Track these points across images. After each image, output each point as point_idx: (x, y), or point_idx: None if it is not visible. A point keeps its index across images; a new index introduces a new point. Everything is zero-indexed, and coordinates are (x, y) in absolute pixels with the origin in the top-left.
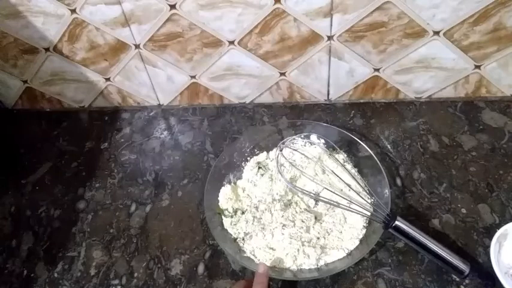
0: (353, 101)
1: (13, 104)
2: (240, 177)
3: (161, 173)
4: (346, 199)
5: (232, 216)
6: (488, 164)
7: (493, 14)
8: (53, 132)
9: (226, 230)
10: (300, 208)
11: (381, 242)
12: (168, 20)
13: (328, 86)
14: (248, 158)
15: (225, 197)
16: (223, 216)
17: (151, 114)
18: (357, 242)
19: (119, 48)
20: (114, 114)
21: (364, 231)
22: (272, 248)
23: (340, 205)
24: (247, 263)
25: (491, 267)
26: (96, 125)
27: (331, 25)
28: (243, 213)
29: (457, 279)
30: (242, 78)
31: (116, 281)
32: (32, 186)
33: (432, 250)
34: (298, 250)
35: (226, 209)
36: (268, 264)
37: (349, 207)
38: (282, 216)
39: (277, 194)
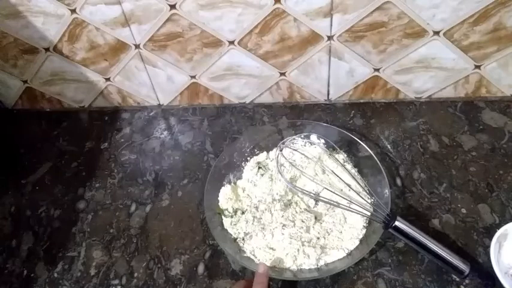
0: (353, 101)
1: (13, 104)
2: (240, 177)
3: (161, 173)
4: (346, 199)
5: (232, 216)
6: (488, 164)
7: (493, 14)
8: (53, 132)
9: (226, 230)
10: (300, 208)
11: (381, 242)
12: (168, 20)
13: (328, 86)
14: (248, 158)
15: (225, 197)
16: (223, 216)
17: (151, 114)
18: (357, 242)
19: (119, 48)
20: (114, 114)
21: (364, 231)
22: (272, 248)
23: (340, 205)
24: (247, 263)
25: (491, 267)
26: (96, 125)
27: (331, 25)
28: (243, 213)
29: (457, 279)
30: (242, 78)
31: (116, 281)
32: (32, 186)
33: (432, 250)
34: (298, 250)
35: (226, 209)
36: (268, 264)
37: (349, 207)
38: (282, 216)
39: (277, 194)
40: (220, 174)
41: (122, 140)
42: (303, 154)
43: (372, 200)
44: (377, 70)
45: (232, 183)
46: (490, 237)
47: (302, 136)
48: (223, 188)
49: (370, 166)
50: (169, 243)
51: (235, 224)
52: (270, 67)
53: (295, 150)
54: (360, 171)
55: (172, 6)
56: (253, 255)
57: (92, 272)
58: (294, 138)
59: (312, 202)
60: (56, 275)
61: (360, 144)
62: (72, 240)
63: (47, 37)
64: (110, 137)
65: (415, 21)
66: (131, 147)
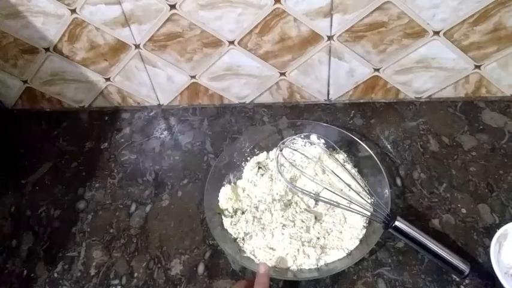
0: (353, 101)
1: (13, 104)
2: (240, 177)
3: (161, 173)
4: (346, 199)
5: (232, 216)
6: (488, 164)
7: (493, 14)
8: (53, 132)
9: (226, 230)
10: (300, 208)
11: (381, 242)
12: (168, 20)
13: (328, 86)
14: (248, 158)
15: (225, 197)
16: (223, 216)
17: (151, 114)
18: (357, 242)
19: (119, 48)
20: (114, 114)
21: (364, 231)
22: (272, 248)
23: (340, 205)
24: (247, 263)
25: (491, 267)
26: (96, 125)
27: (331, 25)
28: (243, 213)
29: (457, 279)
30: (242, 78)
31: (116, 281)
32: (32, 186)
33: (432, 250)
34: (298, 250)
35: (226, 209)
36: (269, 265)
37: (349, 207)
38: (282, 216)
39: (277, 194)
40: (220, 174)
41: (122, 140)
42: (303, 154)
43: (372, 200)
44: (377, 70)
45: (232, 183)
46: (490, 237)
47: (302, 136)
48: (223, 188)
49: (370, 166)
50: (169, 243)
51: (235, 224)
52: (270, 67)
53: (295, 150)
54: (360, 171)
55: (172, 6)
56: (253, 255)
57: (92, 272)
58: (294, 138)
59: (312, 202)
60: (56, 275)
61: (360, 144)
62: (72, 240)
63: (47, 37)
64: (110, 137)
65: (415, 21)
66: (131, 147)
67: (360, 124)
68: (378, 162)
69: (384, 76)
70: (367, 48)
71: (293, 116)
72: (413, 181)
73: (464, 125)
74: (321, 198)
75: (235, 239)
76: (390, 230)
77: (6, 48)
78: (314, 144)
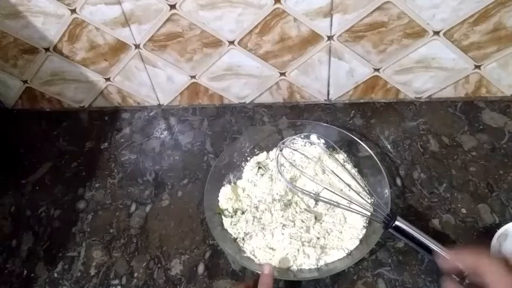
0: (353, 101)
1: (13, 104)
2: (240, 177)
3: (161, 173)
4: (346, 199)
5: (232, 216)
6: (488, 164)
7: (493, 14)
8: (53, 132)
9: (226, 230)
10: (300, 208)
11: (381, 242)
12: (168, 20)
13: (328, 86)
14: (248, 158)
15: (225, 197)
16: (223, 216)
17: (151, 114)
18: (357, 242)
19: (119, 48)
20: (114, 114)
21: (364, 231)
22: (272, 248)
23: (340, 205)
24: (247, 263)
25: None
26: (96, 125)
27: (331, 25)
28: (243, 213)
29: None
30: (242, 78)
31: (116, 281)
32: (32, 186)
33: (432, 250)
34: (298, 250)
35: (226, 209)
36: None
37: (349, 207)
38: (282, 216)
39: (277, 194)
40: (220, 174)
41: (122, 140)
42: (303, 154)
43: (372, 200)
44: (377, 70)
45: (232, 183)
46: (490, 237)
47: (302, 136)
48: (223, 188)
49: (370, 166)
50: (169, 243)
51: (235, 224)
52: (270, 67)
53: (295, 150)
54: (360, 171)
55: (172, 6)
56: (253, 255)
57: (92, 272)
58: (294, 138)
59: (312, 202)
60: (56, 275)
61: (360, 144)
62: (72, 240)
63: (47, 37)
64: (110, 137)
65: (415, 21)
66: (131, 147)
67: (360, 124)
68: (378, 162)
69: (383, 76)
70: (367, 48)
71: (293, 116)
72: (413, 181)
73: (464, 125)
74: (321, 198)
75: (235, 239)
76: (390, 230)
77: (6, 48)
78: (314, 144)
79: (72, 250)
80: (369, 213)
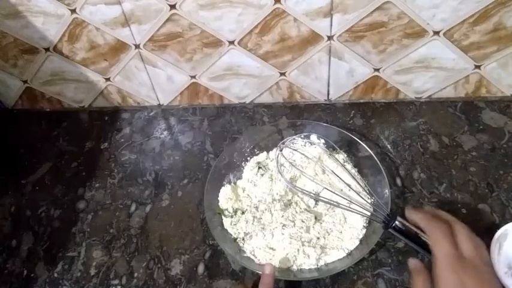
0: (353, 101)
1: (13, 104)
2: (240, 177)
3: (161, 173)
4: (346, 199)
5: (232, 216)
6: (488, 164)
7: (493, 14)
8: (53, 132)
9: (226, 230)
10: (300, 208)
11: (381, 242)
12: (168, 20)
13: (328, 86)
14: (248, 158)
15: (225, 197)
16: (223, 216)
17: (151, 114)
18: (357, 242)
19: (119, 48)
20: (114, 114)
21: (364, 231)
22: (272, 248)
23: (340, 205)
24: (247, 263)
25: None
26: (96, 125)
27: (331, 25)
28: (243, 213)
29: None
30: (242, 78)
31: (116, 281)
32: (32, 186)
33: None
34: (298, 250)
35: (226, 209)
36: None
37: (349, 207)
38: (282, 216)
39: (277, 194)
40: (220, 174)
41: (122, 140)
42: (303, 154)
43: (372, 200)
44: (377, 70)
45: (232, 183)
46: (490, 237)
47: (302, 136)
48: (223, 188)
49: (370, 166)
50: (169, 243)
51: (235, 224)
52: (270, 67)
53: (295, 150)
54: (360, 171)
55: (172, 6)
56: (253, 255)
57: (92, 272)
58: (294, 138)
59: (312, 202)
60: (56, 275)
61: (360, 144)
62: (72, 240)
63: (47, 37)
64: (110, 137)
65: (415, 21)
66: (131, 147)
67: (360, 124)
68: (378, 162)
69: (384, 76)
70: (367, 48)
71: (293, 116)
72: (413, 181)
73: (464, 125)
74: (321, 198)
75: (235, 239)
76: (390, 230)
77: (6, 48)
78: (314, 144)
79: (72, 250)
80: (368, 213)
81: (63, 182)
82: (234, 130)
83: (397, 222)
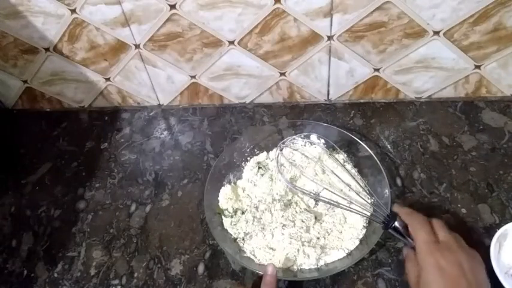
0: (353, 101)
1: (13, 104)
2: (240, 177)
3: (161, 173)
4: (346, 199)
5: (232, 216)
6: (488, 164)
7: (493, 14)
8: (53, 132)
9: (226, 230)
10: (300, 208)
11: (381, 242)
12: (168, 20)
13: (328, 86)
14: (248, 158)
15: (225, 197)
16: (223, 216)
17: (151, 114)
18: (357, 242)
19: (119, 48)
20: (114, 114)
21: (364, 231)
22: (272, 248)
23: (340, 205)
24: (247, 263)
25: (491, 267)
26: (96, 125)
27: (331, 25)
28: (243, 213)
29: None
30: (242, 78)
31: (116, 281)
32: (32, 186)
33: None
34: (298, 250)
35: (226, 209)
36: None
37: (349, 207)
38: (282, 216)
39: (277, 194)
40: (220, 174)
41: (122, 140)
42: (303, 154)
43: (372, 200)
44: (377, 70)
45: (232, 183)
46: (490, 237)
47: (302, 136)
48: (223, 188)
49: (370, 166)
50: (169, 243)
51: (235, 224)
52: (270, 67)
53: (295, 150)
54: (360, 171)
55: (172, 6)
56: (253, 255)
57: (92, 272)
58: (294, 138)
59: (312, 202)
60: (56, 275)
61: (360, 144)
62: (72, 240)
63: (47, 37)
64: (110, 137)
65: (415, 21)
66: (131, 147)
67: (360, 124)
68: (378, 162)
69: (384, 76)
70: (367, 48)
71: (293, 116)
72: (413, 181)
73: (464, 125)
74: (321, 198)
75: (235, 239)
76: (390, 230)
77: (6, 48)
78: (314, 144)
79: (72, 250)
80: (368, 214)
81: (63, 182)
82: (234, 130)
83: (396, 223)
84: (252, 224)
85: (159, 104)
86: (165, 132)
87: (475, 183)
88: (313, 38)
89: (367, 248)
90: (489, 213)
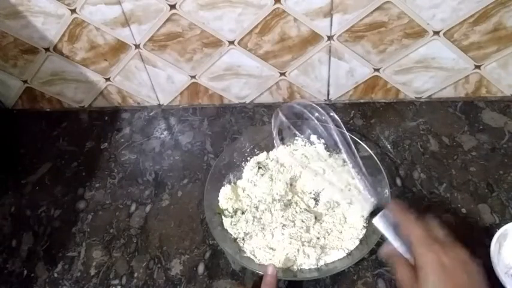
0: (353, 101)
1: (13, 104)
2: (240, 177)
3: (161, 173)
4: (346, 199)
5: (232, 216)
6: (488, 164)
7: (493, 14)
8: (53, 132)
9: (226, 230)
10: (300, 208)
11: (381, 242)
12: (168, 20)
13: (328, 86)
14: (248, 158)
15: (225, 197)
16: (223, 216)
17: (151, 114)
18: (357, 242)
19: (119, 48)
20: (114, 114)
21: (364, 231)
22: (272, 248)
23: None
24: (247, 263)
25: (491, 267)
26: (96, 125)
27: (331, 25)
28: (243, 213)
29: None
30: (242, 78)
31: (116, 281)
32: (32, 186)
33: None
34: (298, 250)
35: (226, 209)
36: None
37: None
38: (282, 216)
39: (277, 194)
40: (220, 174)
41: (122, 140)
42: (303, 154)
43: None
44: (377, 70)
45: (232, 183)
46: (490, 237)
47: (302, 136)
48: (223, 188)
49: (370, 166)
50: (169, 243)
51: (235, 224)
52: (270, 67)
53: (296, 150)
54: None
55: (172, 6)
56: (253, 255)
57: (92, 272)
58: (292, 106)
59: (312, 202)
60: (56, 275)
61: (360, 144)
62: (72, 240)
63: (47, 37)
64: (110, 137)
65: (415, 21)
66: (131, 147)
67: (360, 124)
68: (378, 162)
69: (384, 76)
70: (367, 48)
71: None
72: (413, 181)
73: (464, 125)
74: (321, 198)
75: (235, 239)
76: (377, 223)
77: (6, 48)
78: (314, 144)
79: (72, 250)
80: (370, 201)
81: (63, 182)
82: (234, 130)
83: (384, 214)
84: (252, 224)
85: (159, 104)
86: (165, 132)
87: (475, 183)
88: (313, 38)
89: (367, 248)
90: (489, 213)
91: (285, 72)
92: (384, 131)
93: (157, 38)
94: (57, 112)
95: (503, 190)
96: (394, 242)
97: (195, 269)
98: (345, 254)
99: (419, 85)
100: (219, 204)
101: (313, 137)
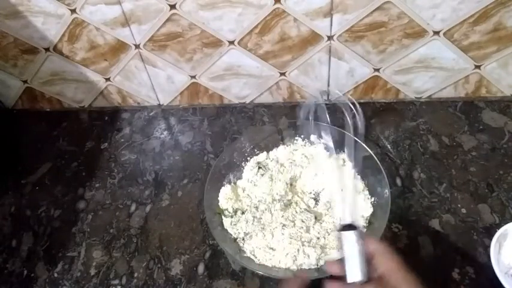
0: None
1: (13, 104)
2: (240, 177)
3: (161, 173)
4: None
5: (232, 216)
6: (488, 164)
7: (493, 14)
8: (53, 132)
9: (226, 230)
10: (300, 208)
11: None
12: (168, 20)
13: (328, 86)
14: (248, 158)
15: (225, 197)
16: (223, 216)
17: (151, 114)
18: None
19: (119, 48)
20: (114, 114)
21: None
22: (272, 248)
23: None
24: (247, 263)
25: (491, 267)
26: (96, 125)
27: (331, 25)
28: (243, 213)
29: (457, 279)
30: (242, 78)
31: (116, 281)
32: (32, 186)
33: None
34: (298, 250)
35: (226, 209)
36: (268, 265)
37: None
38: (282, 216)
39: (277, 194)
40: (220, 174)
41: (122, 140)
42: (303, 154)
43: (372, 200)
44: (377, 70)
45: (232, 183)
46: (490, 237)
47: (302, 136)
48: (223, 188)
49: (370, 166)
50: (169, 243)
51: (235, 224)
52: (270, 67)
53: (295, 150)
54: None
55: (172, 6)
56: (253, 255)
57: (92, 272)
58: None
59: (312, 202)
60: (56, 275)
61: (360, 144)
62: (72, 240)
63: (47, 37)
64: (110, 137)
65: (415, 21)
66: (131, 147)
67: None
68: (378, 162)
69: (384, 76)
70: (367, 48)
71: (293, 116)
72: (413, 181)
73: (464, 125)
74: (321, 198)
75: (235, 239)
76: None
77: (6, 48)
78: (314, 144)
79: (72, 250)
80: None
81: (63, 182)
82: (234, 130)
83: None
84: (252, 224)
85: (159, 104)
86: (165, 132)
87: (475, 183)
88: (313, 38)
89: None
90: (489, 213)
91: (285, 72)
92: (384, 131)
93: (157, 38)
94: (57, 112)
95: (503, 190)
96: (350, 263)
97: (195, 269)
98: None
99: (419, 85)
100: (219, 204)
101: (313, 137)
